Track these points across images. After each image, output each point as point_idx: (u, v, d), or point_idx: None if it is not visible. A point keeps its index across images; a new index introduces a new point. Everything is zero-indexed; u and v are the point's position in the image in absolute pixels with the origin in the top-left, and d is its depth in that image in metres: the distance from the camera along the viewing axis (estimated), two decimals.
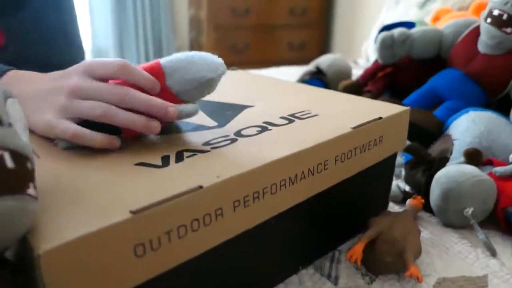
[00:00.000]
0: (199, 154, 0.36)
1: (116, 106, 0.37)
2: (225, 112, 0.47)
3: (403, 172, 0.64)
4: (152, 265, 0.29)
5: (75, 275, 0.25)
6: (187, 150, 0.37)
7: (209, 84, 0.40)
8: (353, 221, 0.51)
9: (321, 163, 0.40)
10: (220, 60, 0.41)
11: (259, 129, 0.42)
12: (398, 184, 0.62)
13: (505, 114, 0.68)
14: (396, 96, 0.89)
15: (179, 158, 0.35)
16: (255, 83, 0.61)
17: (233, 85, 0.59)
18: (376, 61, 0.95)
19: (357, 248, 0.43)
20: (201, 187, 0.30)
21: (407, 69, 0.89)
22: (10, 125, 0.25)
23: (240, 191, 0.33)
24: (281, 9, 2.39)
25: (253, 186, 0.34)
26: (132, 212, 0.27)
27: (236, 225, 0.34)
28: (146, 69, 0.40)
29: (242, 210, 0.33)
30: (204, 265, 0.34)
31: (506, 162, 0.58)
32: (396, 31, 0.84)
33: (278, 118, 0.45)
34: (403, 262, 0.44)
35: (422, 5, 1.27)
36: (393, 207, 0.58)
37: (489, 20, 0.70)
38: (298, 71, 1.42)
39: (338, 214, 0.48)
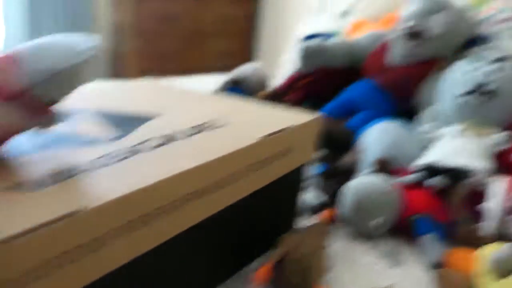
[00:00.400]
0: (86, 172, 0.33)
1: None
2: (125, 124, 0.44)
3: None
4: None
5: None
6: (70, 169, 0.33)
7: (67, 76, 0.32)
8: (265, 235, 0.49)
9: (226, 176, 0.38)
10: (88, 44, 0.33)
11: (161, 141, 0.39)
12: (310, 195, 0.62)
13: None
14: (316, 106, 0.90)
15: (61, 177, 0.32)
16: (164, 93, 0.58)
17: (140, 95, 0.56)
18: (296, 71, 0.96)
19: (263, 269, 0.42)
20: (79, 211, 0.27)
21: (325, 79, 0.91)
22: None
23: (126, 213, 0.30)
24: (209, 17, 2.38)
25: (143, 207, 0.31)
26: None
27: (123, 252, 0.31)
28: None
29: (142, 229, 0.31)
30: None
31: (411, 171, 0.60)
32: (315, 41, 0.85)
33: (183, 129, 0.43)
34: (310, 282, 0.43)
35: (340, 17, 1.31)
36: (303, 221, 0.58)
37: (399, 32, 0.73)
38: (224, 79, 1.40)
39: (248, 230, 0.46)
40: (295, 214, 0.54)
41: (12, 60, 0.31)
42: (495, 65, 0.63)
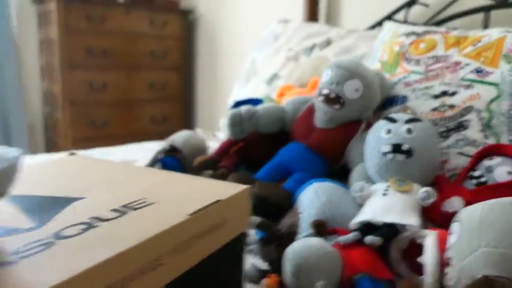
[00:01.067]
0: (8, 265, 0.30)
1: None
2: (47, 208, 0.42)
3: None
4: None
5: None
6: None
7: None
8: None
9: (156, 259, 0.37)
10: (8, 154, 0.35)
11: (84, 226, 0.38)
12: (254, 262, 0.61)
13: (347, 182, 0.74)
14: (251, 169, 0.91)
15: None
16: (91, 169, 0.56)
17: (65, 174, 0.54)
18: (228, 137, 0.97)
19: None
20: None
21: (258, 143, 0.93)
22: None
23: None
24: (140, 84, 2.39)
25: None
26: None
27: None
28: None
29: None
30: None
31: (348, 230, 0.61)
32: (243, 109, 0.88)
33: (108, 211, 0.41)
34: None
35: (269, 82, 1.37)
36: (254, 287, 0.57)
37: (320, 98, 0.77)
38: (160, 145, 1.39)
39: None
40: (241, 283, 0.53)
41: None
42: (407, 126, 0.68)
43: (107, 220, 0.39)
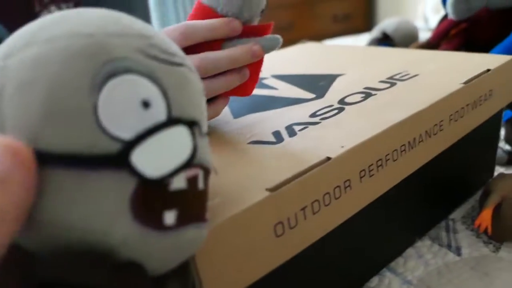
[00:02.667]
0: (311, 127, 0.34)
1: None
2: (317, 83, 0.45)
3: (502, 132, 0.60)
4: (290, 244, 0.27)
5: (224, 259, 0.24)
6: (296, 124, 0.35)
7: None
8: (461, 186, 0.48)
9: (436, 124, 0.37)
10: None
11: (363, 95, 0.40)
12: (500, 145, 0.58)
13: None
14: None
15: (291, 132, 0.34)
16: (332, 52, 0.58)
17: (311, 57, 0.57)
18: (445, 18, 0.89)
19: (484, 215, 0.40)
20: (329, 158, 0.29)
21: (486, 23, 0.83)
22: (207, 134, 0.21)
23: (365, 160, 0.31)
24: None
25: (376, 154, 0.32)
26: (269, 190, 0.26)
27: (363, 197, 0.32)
28: (195, 16, 0.36)
29: (368, 180, 0.32)
30: (329, 244, 0.33)
31: None
32: None
33: (377, 82, 0.43)
34: None
35: None
36: (497, 170, 0.55)
37: None
38: (348, 42, 1.37)
39: (448, 180, 0.45)
40: (494, 161, 0.51)
41: (206, 6, 0.35)
42: None
43: (381, 90, 0.41)
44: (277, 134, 0.34)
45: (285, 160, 0.29)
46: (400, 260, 0.42)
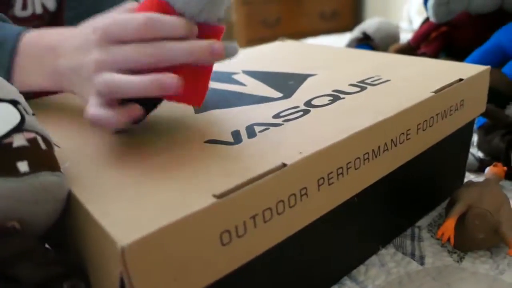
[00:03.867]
0: (272, 128, 0.33)
1: (153, 68, 0.31)
2: (287, 82, 0.44)
3: (475, 139, 0.60)
4: (238, 253, 0.26)
5: (160, 267, 0.23)
6: (257, 124, 0.34)
7: None
8: (430, 194, 0.47)
9: (403, 133, 0.36)
10: None
11: (331, 98, 0.38)
12: (471, 151, 0.57)
13: None
14: (453, 58, 0.83)
15: (251, 133, 0.32)
16: (309, 51, 0.57)
17: (287, 55, 0.56)
18: (427, 21, 0.89)
19: (448, 224, 0.40)
20: (284, 165, 0.27)
21: (465, 26, 0.83)
22: (33, 114, 0.28)
23: (324, 167, 0.30)
24: None
25: (337, 162, 0.31)
26: (216, 197, 0.24)
27: (320, 205, 0.31)
28: (147, 7, 0.33)
29: (327, 188, 0.30)
30: (285, 252, 0.31)
31: None
32: None
33: (347, 86, 0.41)
34: (496, 237, 0.40)
35: None
36: (468, 177, 0.54)
37: None
38: (334, 40, 1.36)
39: (416, 188, 0.44)
40: (463, 171, 0.51)
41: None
42: None
43: (350, 93, 0.39)
44: (236, 134, 0.32)
45: (239, 164, 0.28)
46: (362, 268, 0.41)
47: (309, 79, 0.44)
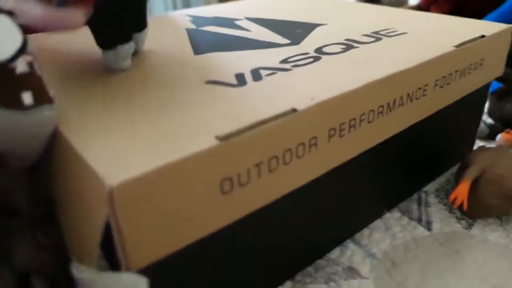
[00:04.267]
0: (279, 73, 0.30)
1: None
2: (294, 30, 0.41)
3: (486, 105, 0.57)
4: (238, 204, 0.24)
5: (152, 213, 0.20)
6: (263, 68, 0.31)
7: None
8: (439, 158, 0.45)
9: (420, 88, 0.33)
10: None
11: (344, 46, 0.35)
12: (483, 118, 0.55)
13: None
14: None
15: (257, 76, 0.29)
16: (317, 3, 0.53)
17: (293, 5, 0.52)
18: None
19: (461, 188, 0.37)
20: (294, 110, 0.25)
21: None
22: None
23: (336, 117, 0.27)
24: None
25: (350, 112, 0.28)
26: (219, 138, 0.22)
27: (329, 159, 0.28)
28: None
29: (337, 140, 0.28)
30: (287, 208, 0.29)
31: None
32: None
33: (360, 36, 0.38)
34: (508, 205, 0.38)
35: None
36: (477, 144, 0.52)
37: None
38: None
39: (425, 150, 0.42)
40: (475, 135, 0.48)
41: None
42: None
43: (364, 43, 0.36)
44: (240, 77, 0.29)
45: (244, 106, 0.25)
46: (365, 231, 0.39)
47: (318, 28, 0.41)
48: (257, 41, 0.37)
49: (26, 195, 0.22)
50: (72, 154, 0.22)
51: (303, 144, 0.25)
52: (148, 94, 0.27)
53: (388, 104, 0.31)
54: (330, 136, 0.27)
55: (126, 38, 0.30)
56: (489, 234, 0.38)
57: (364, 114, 0.29)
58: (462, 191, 0.37)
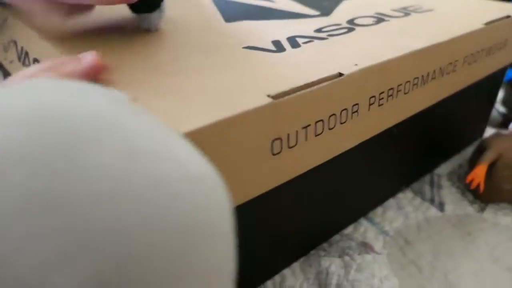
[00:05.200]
0: (316, 41, 0.30)
1: None
2: (321, 2, 0.40)
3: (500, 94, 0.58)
4: (285, 167, 0.24)
5: None
6: (299, 36, 0.31)
7: None
8: (452, 140, 0.46)
9: (451, 63, 0.34)
10: None
11: (374, 19, 0.36)
12: (496, 106, 0.56)
13: None
14: None
15: (294, 44, 0.29)
16: None
17: None
18: None
19: (478, 171, 0.38)
20: (341, 74, 0.25)
21: None
22: None
23: (377, 84, 0.27)
24: None
25: (389, 81, 0.28)
26: (272, 97, 0.22)
27: (368, 127, 0.29)
28: None
29: (376, 109, 0.28)
30: (320, 177, 0.29)
31: None
32: None
33: (390, 10, 0.39)
34: None
35: None
36: (489, 132, 0.53)
37: None
38: None
39: (441, 131, 0.42)
40: (487, 119, 0.50)
41: None
42: None
43: (394, 17, 0.37)
44: (277, 43, 0.29)
45: (290, 69, 0.25)
46: (378, 209, 0.39)
47: (344, 2, 0.41)
48: (286, 11, 0.37)
49: None
50: None
51: (346, 110, 0.26)
52: (189, 58, 0.27)
53: (422, 76, 0.31)
54: (370, 104, 0.27)
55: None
56: (501, 219, 0.39)
57: (401, 84, 0.29)
58: (479, 174, 0.38)
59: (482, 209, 0.40)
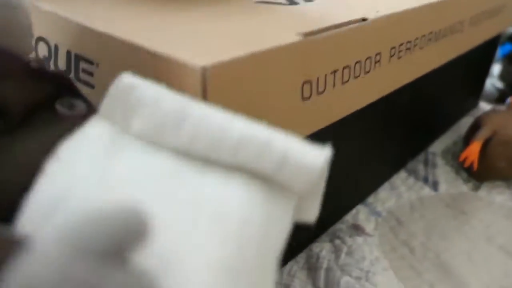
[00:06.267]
0: None
1: None
2: None
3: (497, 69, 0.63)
4: (313, 115, 0.25)
5: (237, 99, 0.20)
6: None
7: None
8: (446, 113, 0.49)
9: (460, 22, 0.37)
10: None
11: None
12: (492, 82, 0.61)
13: None
14: None
15: None
16: None
17: None
18: None
19: (472, 148, 0.41)
20: (364, 19, 0.26)
21: None
22: None
23: (397, 34, 0.30)
24: None
25: (408, 32, 0.31)
26: (301, 35, 0.22)
27: (388, 81, 0.31)
28: None
29: (395, 62, 0.31)
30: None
31: None
32: None
33: None
34: None
35: None
36: (484, 108, 0.57)
37: None
38: None
39: (435, 102, 0.45)
40: (481, 92, 0.54)
41: None
42: None
43: None
44: None
45: (310, 17, 0.26)
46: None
47: None
48: None
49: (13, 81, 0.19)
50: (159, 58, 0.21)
51: (370, 58, 0.27)
52: (207, 8, 0.27)
53: (435, 32, 0.34)
54: (391, 56, 0.29)
55: None
56: (496, 196, 0.43)
57: (417, 38, 0.32)
58: (473, 151, 0.41)
59: (476, 188, 0.43)
